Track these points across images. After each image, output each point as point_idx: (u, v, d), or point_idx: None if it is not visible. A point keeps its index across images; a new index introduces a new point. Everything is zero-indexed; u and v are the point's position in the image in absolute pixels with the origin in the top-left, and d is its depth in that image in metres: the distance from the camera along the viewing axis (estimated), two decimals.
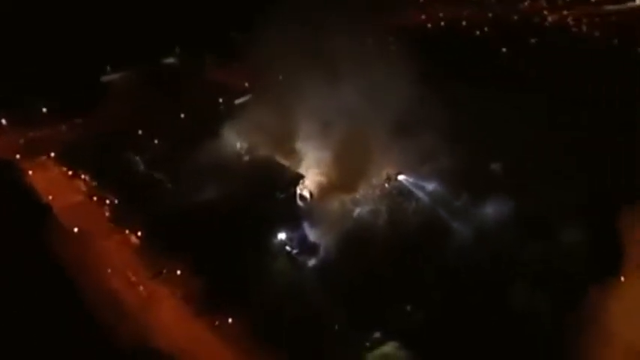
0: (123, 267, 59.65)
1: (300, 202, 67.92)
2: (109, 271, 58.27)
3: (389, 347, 49.17)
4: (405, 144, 73.30)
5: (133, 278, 58.19)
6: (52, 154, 77.05)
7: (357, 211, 67.39)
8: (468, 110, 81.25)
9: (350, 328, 53.04)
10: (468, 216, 67.90)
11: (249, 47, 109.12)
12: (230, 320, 52.54)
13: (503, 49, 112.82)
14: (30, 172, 73.81)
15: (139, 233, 63.39)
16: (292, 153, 77.10)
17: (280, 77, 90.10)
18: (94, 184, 72.18)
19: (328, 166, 74.14)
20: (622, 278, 57.53)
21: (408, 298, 56.59)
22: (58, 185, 72.22)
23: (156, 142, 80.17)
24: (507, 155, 76.70)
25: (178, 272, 57.91)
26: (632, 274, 57.95)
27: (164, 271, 57.91)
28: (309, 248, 62.28)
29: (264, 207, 65.21)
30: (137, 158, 76.16)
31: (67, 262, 58.44)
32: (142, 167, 74.47)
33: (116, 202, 69.05)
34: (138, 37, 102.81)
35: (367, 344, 51.41)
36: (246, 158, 75.16)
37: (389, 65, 79.98)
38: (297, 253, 62.37)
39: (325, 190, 69.58)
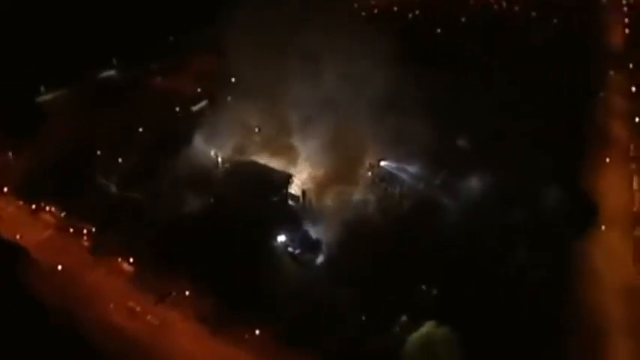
0: (122, 299, 55.55)
1: (292, 202, 66.75)
2: (111, 306, 53.93)
3: (427, 327, 50.07)
4: (380, 130, 74.63)
5: (138, 308, 54.46)
6: (5, 189, 69.41)
7: (349, 203, 67.75)
8: (423, 92, 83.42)
9: (376, 318, 53.49)
10: (452, 191, 70.84)
11: (193, 50, 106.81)
12: (257, 332, 50.85)
13: (438, 30, 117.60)
14: None
15: (130, 259, 59.21)
16: (272, 153, 75.80)
17: (239, 76, 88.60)
18: (63, 214, 66.15)
19: (311, 162, 73.89)
20: (602, 227, 63.09)
21: (419, 277, 58.12)
22: (21, 222, 65.27)
23: (120, 160, 74.92)
24: (470, 130, 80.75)
25: (187, 293, 55.03)
26: (610, 222, 63.81)
27: (173, 293, 54.68)
28: (312, 246, 61.64)
29: (258, 212, 63.63)
30: (104, 180, 70.77)
31: (57, 304, 53.57)
32: (112, 189, 69.31)
33: (93, 230, 63.89)
34: (70, 53, 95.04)
35: (397, 329, 52.09)
36: (226, 165, 72.37)
37: (336, 56, 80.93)
38: (299, 253, 61.50)
39: (314, 187, 69.10)
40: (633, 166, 75.26)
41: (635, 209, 67.89)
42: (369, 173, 72.63)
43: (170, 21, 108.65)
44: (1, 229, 62.72)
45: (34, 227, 65.09)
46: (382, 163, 73.60)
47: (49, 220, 66.29)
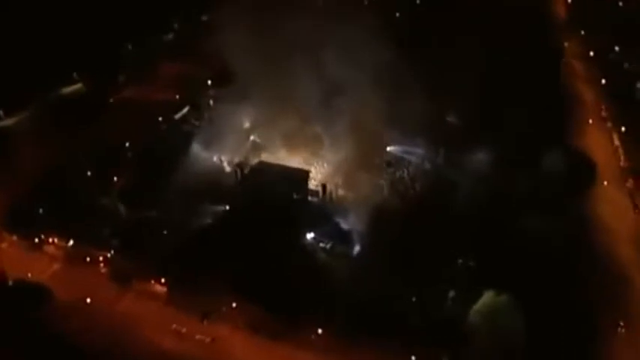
0: (163, 322, 52.53)
1: (313, 198, 66.02)
2: (153, 333, 50.86)
3: (486, 297, 51.53)
4: (380, 115, 75.25)
5: (184, 329, 51.73)
6: None
7: (366, 191, 68.06)
8: (411, 71, 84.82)
9: (426, 298, 54.51)
10: (455, 167, 73.25)
11: (158, 57, 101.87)
12: (320, 331, 50.19)
13: (397, 14, 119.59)
14: None
15: (162, 280, 56.12)
16: (277, 152, 74.35)
17: (222, 76, 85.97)
18: (70, 244, 61.25)
19: (321, 155, 73.49)
20: (605, 183, 67.95)
21: (452, 252, 59.73)
22: (22, 259, 59.60)
23: (115, 179, 70.38)
24: (459, 106, 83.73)
25: (234, 305, 53.09)
26: (612, 178, 68.87)
27: (223, 308, 52.49)
28: (343, 238, 61.55)
29: (282, 212, 62.34)
30: (106, 201, 66.25)
31: (94, 343, 49.77)
32: (120, 209, 64.96)
33: (109, 255, 59.78)
34: (24, 71, 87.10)
35: (450, 304, 53.45)
36: (236, 169, 69.98)
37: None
38: (332, 247, 61.20)
39: (330, 180, 68.73)
40: (609, 124, 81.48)
41: (621, 164, 73.67)
42: (377, 159, 73.26)
43: (125, 29, 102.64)
44: (6, 269, 56.78)
45: (40, 262, 59.72)
46: (388, 149, 74.56)
47: (54, 252, 61.10)
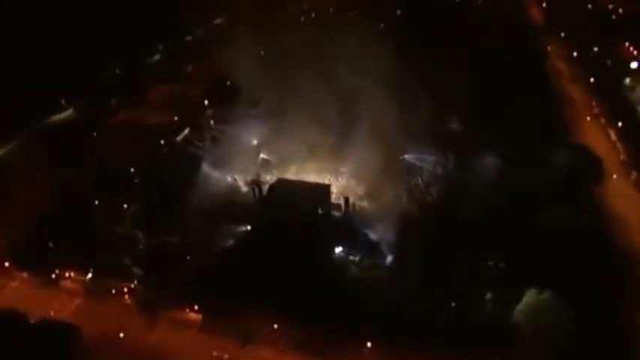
0: (202, 350, 50.50)
1: (336, 212, 65.35)
2: None
3: (529, 296, 51.84)
4: (391, 123, 75.67)
5: (226, 356, 49.89)
6: (7, 264, 59.37)
7: (386, 200, 68.02)
8: (406, 83, 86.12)
9: (464, 302, 54.56)
10: (466, 170, 74.25)
11: (147, 80, 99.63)
12: (369, 344, 49.38)
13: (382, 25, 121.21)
14: None
15: (194, 307, 54.05)
16: (290, 167, 73.50)
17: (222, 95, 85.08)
18: (88, 277, 58.35)
19: (334, 169, 73.04)
20: (614, 176, 70.32)
21: (479, 255, 60.13)
22: (38, 296, 56.27)
23: (125, 206, 67.75)
24: (456, 113, 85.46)
25: (275, 326, 51.61)
26: (620, 171, 71.36)
27: (264, 331, 50.89)
28: (372, 249, 61.05)
29: (307, 229, 61.13)
30: (120, 229, 63.62)
31: None
32: (137, 237, 62.41)
33: (132, 286, 57.24)
34: (11, 100, 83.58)
35: (490, 306, 53.65)
36: (253, 187, 68.57)
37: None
38: (361, 260, 60.63)
39: (351, 192, 68.34)
40: (602, 121, 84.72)
41: (621, 157, 76.50)
42: (391, 168, 73.41)
43: (110, 53, 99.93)
44: (23, 308, 53.34)
45: (59, 299, 56.68)
46: (399, 157, 74.98)
47: (72, 287, 58.10)
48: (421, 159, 75.07)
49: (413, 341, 49.47)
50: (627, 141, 77.83)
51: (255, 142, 78.01)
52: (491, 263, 59.20)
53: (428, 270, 58.19)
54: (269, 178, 72.86)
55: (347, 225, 63.10)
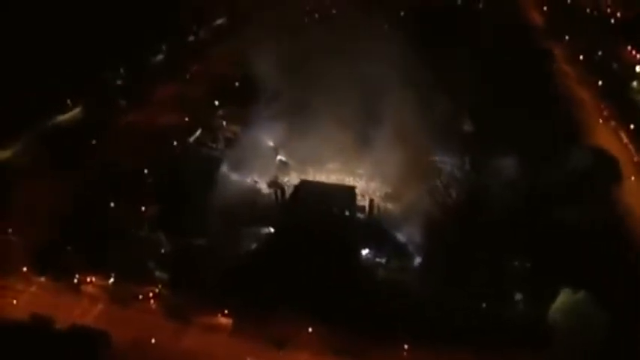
0: (236, 356, 49.30)
1: (361, 214, 64.68)
2: None
3: (564, 296, 51.82)
4: (403, 127, 75.42)
5: None
6: (25, 269, 57.25)
7: (408, 202, 67.62)
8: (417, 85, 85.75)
9: (495, 303, 54.48)
10: (484, 171, 74.35)
11: (153, 80, 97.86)
12: (406, 346, 48.85)
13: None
14: (14, 301, 53.94)
15: (225, 311, 52.82)
16: (308, 168, 72.64)
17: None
18: (110, 281, 56.64)
19: (353, 170, 72.45)
20: (632, 178, 71.18)
21: (504, 255, 60.10)
22: (58, 302, 54.24)
23: (143, 208, 66.03)
24: (469, 114, 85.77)
25: (310, 330, 50.68)
26: (635, 172, 72.23)
27: (299, 335, 49.91)
28: (399, 251, 60.68)
29: (332, 231, 60.46)
30: (142, 232, 61.96)
31: None
32: (159, 239, 60.79)
33: (157, 291, 55.73)
34: (16, 101, 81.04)
35: (522, 307, 53.74)
36: (276, 189, 67.51)
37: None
38: (387, 261, 60.17)
39: (374, 194, 67.84)
40: (613, 123, 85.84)
41: (635, 159, 77.56)
42: (410, 169, 72.90)
43: (114, 53, 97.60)
44: (45, 314, 51.42)
45: (80, 304, 54.84)
46: (417, 158, 74.47)
47: (93, 292, 56.28)
48: (440, 160, 74.83)
49: (446, 342, 49.17)
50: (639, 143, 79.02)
51: (271, 143, 76.82)
52: (516, 263, 59.29)
53: (455, 271, 58.11)
54: (287, 180, 71.95)
55: (373, 227, 62.46)
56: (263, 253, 59.51)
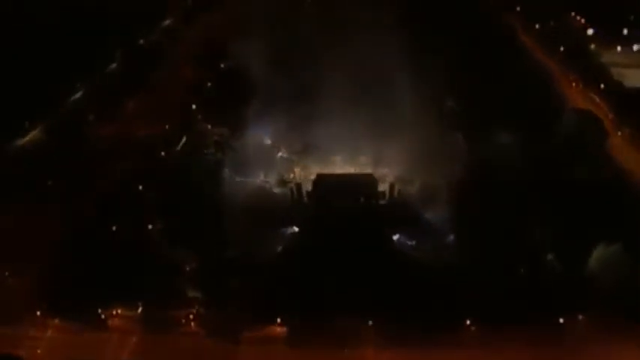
0: None
1: (383, 200, 63.61)
2: None
3: (600, 250, 53.48)
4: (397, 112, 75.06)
5: None
6: (38, 313, 50.75)
7: (424, 183, 67.36)
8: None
9: (535, 267, 55.61)
10: (485, 146, 75.46)
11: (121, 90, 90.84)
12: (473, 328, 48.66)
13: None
14: (38, 351, 47.67)
15: (277, 320, 49.96)
16: (316, 160, 70.45)
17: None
18: (139, 310, 51.76)
19: (357, 159, 71.23)
20: (619, 133, 75.27)
21: (530, 220, 61.06)
22: (84, 342, 48.73)
23: (150, 227, 60.96)
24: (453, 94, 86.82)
25: (370, 323, 49.10)
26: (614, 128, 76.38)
27: (359, 331, 48.08)
28: (426, 233, 60.34)
29: (359, 220, 59.15)
30: (154, 253, 56.82)
31: None
32: (181, 256, 56.23)
33: (194, 312, 51.68)
34: None
35: (557, 265, 55.10)
36: (290, 187, 64.77)
37: None
38: (417, 244, 59.71)
39: (390, 179, 66.95)
40: (581, 87, 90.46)
41: (610, 117, 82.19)
42: (413, 151, 72.65)
43: (65, 67, 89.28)
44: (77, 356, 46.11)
45: (110, 341, 49.61)
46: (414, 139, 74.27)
47: (121, 324, 51.19)
48: (440, 139, 75.15)
49: (500, 314, 49.24)
50: (611, 102, 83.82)
51: (267, 140, 73.95)
52: (542, 228, 60.65)
53: (486, 243, 58.51)
54: (293, 177, 69.57)
55: (395, 212, 61.71)
56: (293, 253, 56.94)
